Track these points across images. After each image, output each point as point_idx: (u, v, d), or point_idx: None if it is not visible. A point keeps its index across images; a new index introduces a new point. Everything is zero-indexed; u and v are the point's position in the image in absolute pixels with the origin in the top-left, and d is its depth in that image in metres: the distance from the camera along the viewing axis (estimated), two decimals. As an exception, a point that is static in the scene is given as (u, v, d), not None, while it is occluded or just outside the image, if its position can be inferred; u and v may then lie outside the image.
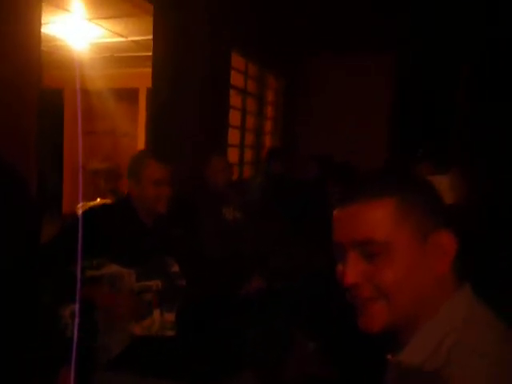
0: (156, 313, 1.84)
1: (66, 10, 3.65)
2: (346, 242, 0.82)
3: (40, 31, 2.29)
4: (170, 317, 1.86)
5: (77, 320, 1.66)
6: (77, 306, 1.66)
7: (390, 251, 0.78)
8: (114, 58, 5.08)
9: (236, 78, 4.60)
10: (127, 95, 5.85)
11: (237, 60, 4.55)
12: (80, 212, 3.38)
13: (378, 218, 0.79)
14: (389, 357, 0.88)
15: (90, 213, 1.92)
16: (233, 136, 4.68)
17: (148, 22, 3.42)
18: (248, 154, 5.39)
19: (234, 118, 4.70)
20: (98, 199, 4.48)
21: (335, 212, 0.85)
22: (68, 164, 6.18)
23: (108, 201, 3.16)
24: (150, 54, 3.49)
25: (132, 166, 1.97)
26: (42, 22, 2.32)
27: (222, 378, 2.26)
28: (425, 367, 0.78)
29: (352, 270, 0.80)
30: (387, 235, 0.78)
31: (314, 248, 3.20)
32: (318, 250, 3.15)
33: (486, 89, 5.14)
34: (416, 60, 5.54)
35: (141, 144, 5.63)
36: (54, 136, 5.74)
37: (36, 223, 2.37)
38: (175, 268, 1.93)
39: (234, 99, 4.64)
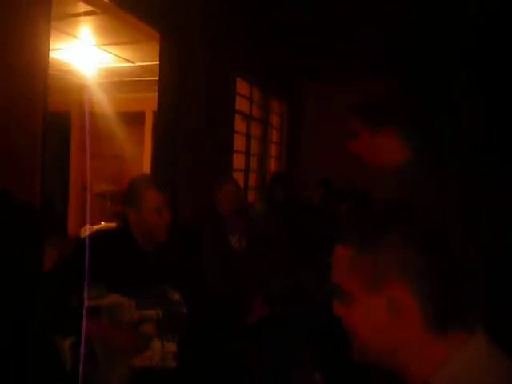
0: (157, 343, 1.79)
1: (75, 37, 3.72)
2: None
3: (48, 56, 2.33)
4: (172, 347, 1.80)
5: (82, 351, 1.67)
6: (81, 338, 1.67)
7: (347, 297, 0.82)
8: (121, 82, 5.15)
9: (241, 103, 4.65)
10: (133, 119, 5.90)
11: (242, 85, 4.60)
12: (84, 235, 3.39)
13: (338, 263, 0.84)
14: None
15: (90, 240, 1.88)
16: (237, 161, 4.70)
17: (154, 48, 3.48)
18: (252, 179, 5.40)
19: (239, 142, 4.73)
20: (102, 223, 4.48)
21: None
22: (74, 187, 6.21)
23: (112, 225, 3.15)
24: (157, 78, 3.54)
25: (130, 193, 1.91)
26: (51, 47, 2.36)
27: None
28: None
29: (335, 306, 0.86)
30: (342, 282, 0.82)
31: (318, 273, 3.18)
32: (322, 275, 3.13)
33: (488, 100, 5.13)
34: (415, 79, 5.57)
35: (146, 167, 5.67)
36: (61, 159, 5.79)
37: (39, 248, 2.37)
38: (176, 296, 1.88)
39: (239, 124, 4.68)
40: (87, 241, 1.77)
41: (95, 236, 1.97)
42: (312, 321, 2.74)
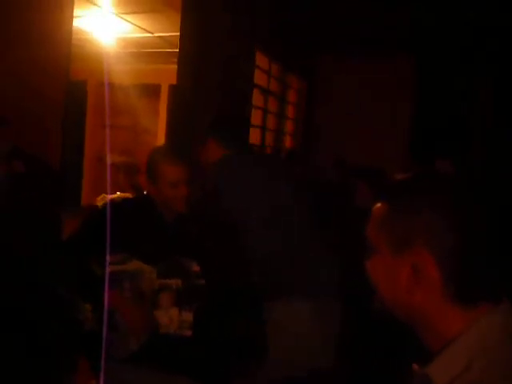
0: (174, 311, 1.83)
1: (95, 4, 3.67)
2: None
3: (71, 24, 2.31)
4: (189, 316, 1.84)
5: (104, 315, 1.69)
6: (102, 303, 1.70)
7: (375, 251, 0.84)
8: (139, 53, 5.10)
9: (259, 77, 4.60)
10: (149, 91, 5.86)
11: (261, 59, 4.54)
12: (100, 204, 3.39)
13: (372, 218, 0.85)
14: (415, 366, 0.86)
15: (111, 206, 1.90)
16: (253, 135, 4.67)
17: (173, 19, 3.43)
18: (268, 155, 5.37)
19: (256, 117, 4.69)
20: (118, 193, 4.49)
21: None
22: (89, 157, 6.21)
23: (128, 195, 3.15)
24: (175, 50, 3.50)
25: (149, 165, 1.91)
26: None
27: (236, 380, 2.25)
28: None
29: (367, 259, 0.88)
30: (371, 236, 0.85)
31: (335, 252, 3.17)
32: (339, 254, 3.12)
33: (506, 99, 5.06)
34: (435, 63, 5.49)
35: (161, 140, 5.65)
36: (76, 127, 5.78)
37: (57, 215, 2.39)
38: (195, 267, 1.90)
39: (256, 98, 4.64)
40: (110, 206, 1.79)
41: (118, 202, 1.98)
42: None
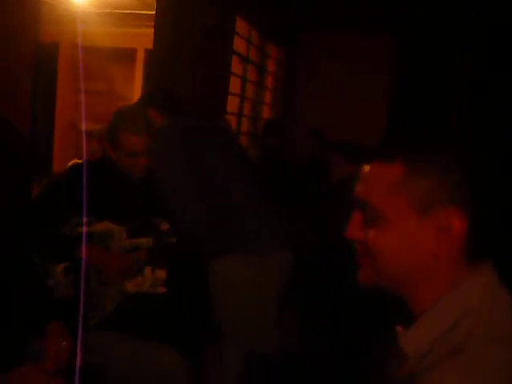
0: (147, 270, 1.84)
1: (66, -40, 3.48)
2: (356, 200, 0.83)
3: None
4: (161, 274, 1.87)
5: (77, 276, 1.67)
6: (73, 264, 1.66)
7: (383, 219, 0.78)
8: (114, 14, 4.89)
9: (239, 44, 4.48)
10: (124, 55, 5.67)
11: (241, 25, 4.41)
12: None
13: (379, 182, 0.79)
14: (399, 328, 0.85)
15: (76, 168, 1.86)
16: (232, 104, 4.57)
17: (152, -21, 3.28)
18: (245, 124, 5.29)
19: (234, 85, 4.59)
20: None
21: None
22: (60, 123, 6.02)
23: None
24: (152, 12, 3.36)
25: (109, 130, 1.87)
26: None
27: (212, 335, 2.25)
28: (438, 345, 0.74)
29: (351, 228, 0.83)
30: (381, 202, 0.78)
31: (308, 224, 3.17)
32: (312, 226, 3.11)
33: (488, 73, 5.07)
34: (417, 40, 5.45)
35: (136, 107, 5.48)
36: (47, 92, 5.57)
37: (27, 181, 2.29)
38: (165, 226, 1.91)
39: (235, 66, 4.52)
40: (76, 168, 1.76)
41: (83, 164, 1.93)
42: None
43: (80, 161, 2.62)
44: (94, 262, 1.75)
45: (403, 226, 0.77)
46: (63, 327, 1.39)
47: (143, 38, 4.45)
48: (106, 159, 1.96)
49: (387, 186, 0.78)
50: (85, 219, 1.75)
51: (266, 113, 5.88)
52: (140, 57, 5.72)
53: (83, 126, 5.77)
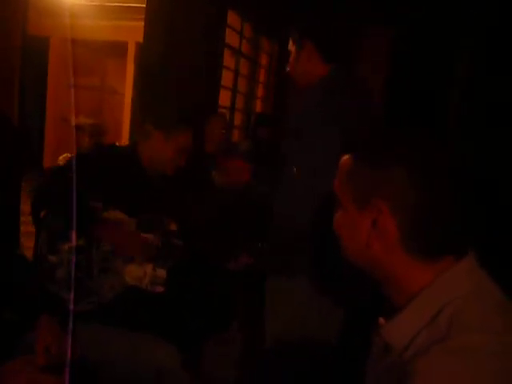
0: (149, 266, 1.84)
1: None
2: None
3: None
4: (162, 273, 1.85)
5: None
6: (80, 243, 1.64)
7: (340, 205, 0.85)
8: (104, 7, 4.85)
9: (231, 38, 4.45)
10: (116, 49, 5.63)
11: (233, 18, 4.39)
12: (62, 163, 3.28)
13: (340, 172, 0.86)
14: (381, 320, 0.87)
15: (96, 153, 1.87)
16: (224, 98, 4.56)
17: (143, -29, 3.25)
18: (238, 118, 5.27)
19: (227, 79, 4.57)
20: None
21: None
22: (51, 118, 5.97)
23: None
24: (142, 5, 3.34)
25: (168, 120, 1.92)
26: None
27: (206, 339, 2.25)
28: (422, 335, 0.75)
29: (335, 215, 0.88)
30: (339, 190, 0.85)
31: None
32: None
33: (487, 73, 5.07)
34: (415, 39, 5.44)
35: (128, 101, 5.46)
36: (38, 87, 5.52)
37: (16, 173, 2.28)
38: (173, 226, 1.92)
39: (228, 59, 4.50)
40: (96, 151, 1.75)
41: (101, 150, 1.99)
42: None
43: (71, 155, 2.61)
44: (109, 239, 1.76)
45: (349, 214, 0.84)
46: (54, 321, 1.39)
47: (134, 32, 4.42)
48: (127, 149, 2.02)
49: (342, 175, 0.85)
50: (95, 205, 1.77)
51: (258, 107, 5.86)
52: (131, 50, 5.69)
53: (74, 121, 5.74)
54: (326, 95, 1.72)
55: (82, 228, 1.68)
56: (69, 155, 3.29)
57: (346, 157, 0.86)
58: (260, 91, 5.89)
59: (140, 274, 1.82)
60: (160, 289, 1.84)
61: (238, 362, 2.42)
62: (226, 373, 2.27)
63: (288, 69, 1.90)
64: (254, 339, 2.51)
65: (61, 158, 3.47)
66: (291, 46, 1.85)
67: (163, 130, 1.90)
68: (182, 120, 1.95)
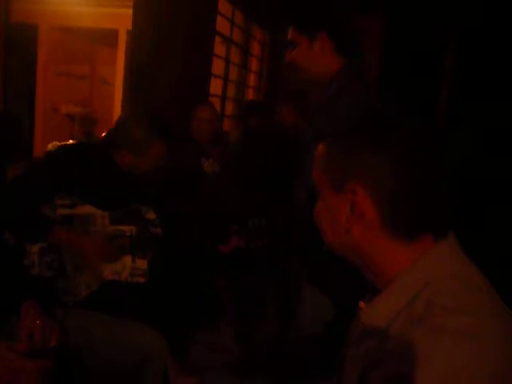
0: (127, 258, 1.81)
1: None
2: None
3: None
4: (142, 263, 1.83)
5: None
6: (50, 245, 1.61)
7: (319, 193, 0.85)
8: (93, -6, 4.79)
9: (222, 25, 4.41)
10: (105, 37, 5.56)
11: (223, 6, 4.35)
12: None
13: (317, 160, 0.86)
14: (361, 304, 0.87)
15: (63, 149, 1.83)
16: (215, 86, 4.52)
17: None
18: (229, 107, 5.24)
19: (218, 67, 4.53)
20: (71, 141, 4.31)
21: None
22: (40, 107, 5.91)
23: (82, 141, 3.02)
24: (133, -8, 3.29)
25: (135, 141, 1.81)
26: None
27: (191, 329, 2.25)
28: (400, 317, 0.75)
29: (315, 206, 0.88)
30: (317, 178, 0.86)
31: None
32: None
33: (475, 58, 5.08)
34: (404, 22, 5.43)
35: (118, 90, 5.41)
36: (27, 75, 5.46)
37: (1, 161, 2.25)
38: (151, 215, 1.88)
39: (218, 47, 4.47)
40: (62, 149, 1.73)
41: (70, 146, 1.93)
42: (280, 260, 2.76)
43: (61, 143, 2.59)
44: (71, 245, 1.72)
45: (328, 201, 0.84)
46: (37, 306, 1.37)
47: (124, 19, 4.36)
48: (100, 145, 1.93)
49: (319, 163, 0.85)
50: (65, 200, 1.74)
51: (250, 95, 5.83)
52: (122, 38, 5.62)
53: (64, 110, 5.69)
54: (351, 86, 1.69)
55: (44, 232, 1.66)
56: (57, 143, 3.26)
57: (321, 145, 0.86)
58: (252, 80, 5.86)
59: (118, 267, 1.79)
60: (141, 279, 1.82)
61: (226, 350, 2.42)
62: (213, 361, 2.27)
63: (291, 59, 1.82)
64: (246, 331, 2.52)
65: (49, 145, 3.43)
66: (296, 37, 1.77)
67: (130, 151, 1.82)
68: (151, 135, 1.84)
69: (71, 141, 3.73)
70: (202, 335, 2.38)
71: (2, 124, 2.53)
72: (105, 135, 1.96)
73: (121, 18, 4.81)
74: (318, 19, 1.75)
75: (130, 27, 3.57)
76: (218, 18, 4.23)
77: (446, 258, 0.78)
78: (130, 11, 3.31)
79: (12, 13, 2.43)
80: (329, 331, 1.71)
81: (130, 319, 1.69)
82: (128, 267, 1.81)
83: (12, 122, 2.38)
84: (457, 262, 0.78)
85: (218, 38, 4.35)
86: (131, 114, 1.95)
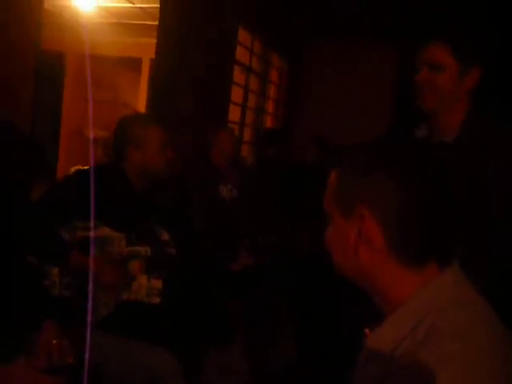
0: (143, 279, 1.85)
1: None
2: None
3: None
4: (157, 283, 1.87)
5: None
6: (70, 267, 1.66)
7: (329, 219, 0.85)
8: (120, 24, 4.98)
9: (241, 54, 4.53)
10: (130, 65, 5.75)
11: (243, 35, 4.47)
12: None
13: (328, 186, 0.86)
14: (366, 331, 0.87)
15: (81, 173, 1.90)
16: (234, 113, 4.62)
17: (157, -10, 3.33)
18: (247, 133, 5.33)
19: (237, 95, 4.63)
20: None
21: None
22: (66, 131, 6.08)
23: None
24: (156, 23, 3.41)
25: (131, 132, 1.91)
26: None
27: (206, 348, 2.26)
28: (403, 344, 0.76)
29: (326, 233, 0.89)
30: (327, 204, 0.86)
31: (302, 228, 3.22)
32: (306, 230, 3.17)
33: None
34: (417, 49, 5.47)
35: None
36: (53, 100, 5.64)
37: (28, 183, 2.33)
38: (165, 236, 1.93)
39: (238, 76, 4.57)
40: (79, 173, 1.78)
41: (87, 170, 1.98)
42: (292, 274, 2.78)
43: (83, 167, 2.68)
44: (88, 268, 1.74)
45: (337, 227, 0.84)
46: (57, 325, 1.42)
47: (148, 48, 4.50)
48: (110, 166, 2.02)
49: (329, 190, 0.86)
50: (83, 223, 1.79)
51: (268, 122, 5.92)
52: (145, 66, 5.80)
53: (90, 134, 5.84)
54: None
55: (62, 255, 1.72)
56: (80, 167, 3.36)
57: (332, 173, 0.87)
58: (270, 107, 5.95)
59: (135, 287, 1.84)
60: (156, 300, 1.85)
61: (239, 373, 2.43)
62: (226, 382, 2.28)
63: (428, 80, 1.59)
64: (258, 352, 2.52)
65: (72, 169, 3.54)
66: (446, 60, 1.51)
67: (133, 144, 1.90)
68: (145, 121, 1.96)
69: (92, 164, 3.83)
70: (216, 358, 2.40)
71: (29, 146, 2.62)
72: (111, 152, 2.04)
73: (145, 47, 4.98)
74: (482, 49, 1.49)
75: (153, 56, 3.69)
76: (238, 47, 4.34)
77: (451, 286, 0.79)
78: (154, 41, 3.43)
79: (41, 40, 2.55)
80: (338, 356, 1.72)
81: (145, 339, 1.73)
82: (144, 287, 1.85)
83: (38, 145, 2.48)
84: (460, 289, 0.80)
85: (237, 67, 4.46)
86: (123, 118, 2.02)
